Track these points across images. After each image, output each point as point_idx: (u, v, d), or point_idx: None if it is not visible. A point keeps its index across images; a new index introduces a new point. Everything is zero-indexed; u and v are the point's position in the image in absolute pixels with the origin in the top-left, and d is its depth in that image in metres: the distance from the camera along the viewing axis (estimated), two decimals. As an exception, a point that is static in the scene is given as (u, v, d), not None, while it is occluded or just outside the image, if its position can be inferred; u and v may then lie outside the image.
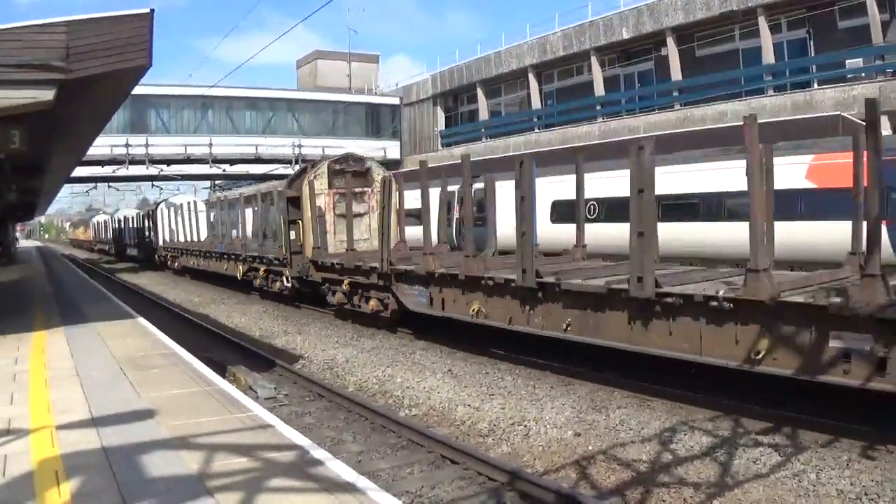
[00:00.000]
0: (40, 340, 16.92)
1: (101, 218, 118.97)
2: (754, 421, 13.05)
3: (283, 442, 8.89)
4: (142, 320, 20.24)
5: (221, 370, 16.96)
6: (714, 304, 12.66)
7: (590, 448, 12.50)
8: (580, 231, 19.71)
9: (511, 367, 18.49)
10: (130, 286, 47.86)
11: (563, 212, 28.38)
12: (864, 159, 12.54)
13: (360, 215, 28.47)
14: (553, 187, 28.40)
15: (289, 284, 30.61)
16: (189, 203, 51.60)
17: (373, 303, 23.76)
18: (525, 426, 13.79)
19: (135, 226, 73.58)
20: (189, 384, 12.18)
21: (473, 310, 18.42)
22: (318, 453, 8.48)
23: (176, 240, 52.79)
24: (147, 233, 66.68)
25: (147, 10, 14.15)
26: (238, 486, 7.28)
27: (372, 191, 29.25)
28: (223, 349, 22.89)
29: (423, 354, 20.60)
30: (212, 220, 44.75)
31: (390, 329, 24.23)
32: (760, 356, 12.06)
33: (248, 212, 37.15)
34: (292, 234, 29.34)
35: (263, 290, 35.37)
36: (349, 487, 7.34)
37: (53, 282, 36.67)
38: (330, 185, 29.00)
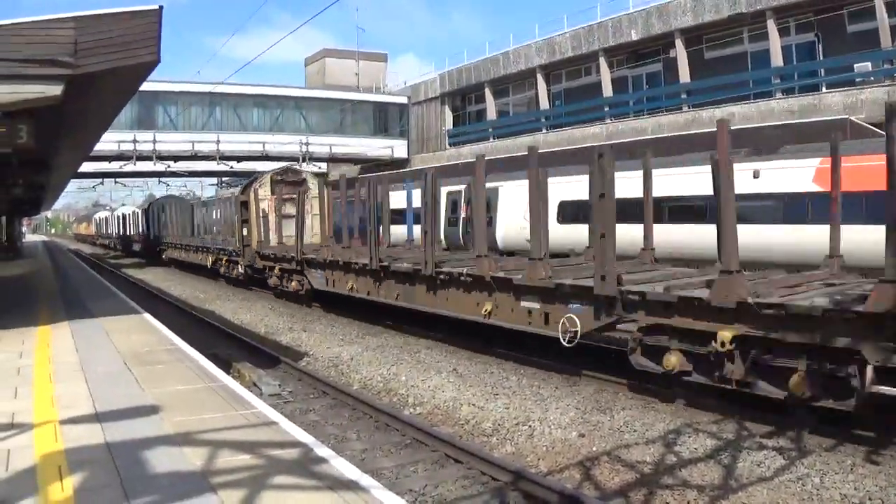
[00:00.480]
0: (45, 335, 16.93)
1: (102, 214, 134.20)
2: (758, 425, 13.01)
3: (286, 439, 8.87)
4: (147, 316, 20.25)
5: (226, 366, 16.98)
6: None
7: (594, 449, 12.48)
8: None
9: (516, 367, 18.48)
10: (135, 281, 47.93)
11: (570, 212, 28.41)
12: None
13: (292, 216, 32.46)
14: (560, 188, 28.39)
15: (242, 271, 38.37)
16: (179, 203, 58.79)
17: (294, 283, 31.06)
18: (529, 426, 13.77)
19: (133, 222, 79.85)
20: (193, 380, 12.18)
21: (349, 286, 24.91)
22: (322, 451, 8.47)
23: (166, 235, 60.55)
24: (145, 229, 72.12)
25: (156, 7, 14.16)
26: (241, 483, 7.27)
27: (306, 197, 33.44)
28: (228, 345, 22.89)
29: (427, 353, 20.61)
30: (195, 219, 50.70)
31: (306, 303, 31.80)
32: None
33: (217, 212, 44.53)
34: (244, 231, 37.11)
35: (226, 276, 42.91)
36: (353, 485, 7.33)
37: (59, 277, 36.70)
38: (272, 193, 36.13)
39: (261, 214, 36.64)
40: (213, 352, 18.99)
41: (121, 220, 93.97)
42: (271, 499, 6.97)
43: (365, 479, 7.56)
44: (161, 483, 7.32)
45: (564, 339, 15.31)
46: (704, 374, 13.27)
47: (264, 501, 6.91)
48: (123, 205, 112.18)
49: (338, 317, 28.17)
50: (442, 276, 19.59)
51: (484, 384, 16.86)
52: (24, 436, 8.95)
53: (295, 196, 32.15)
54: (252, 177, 41.74)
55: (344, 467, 7.91)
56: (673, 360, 13.45)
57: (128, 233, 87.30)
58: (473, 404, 15.33)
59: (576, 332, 15.15)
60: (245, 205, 37.62)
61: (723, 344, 12.36)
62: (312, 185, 36.85)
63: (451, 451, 12.29)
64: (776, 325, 11.98)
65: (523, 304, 16.99)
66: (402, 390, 17.03)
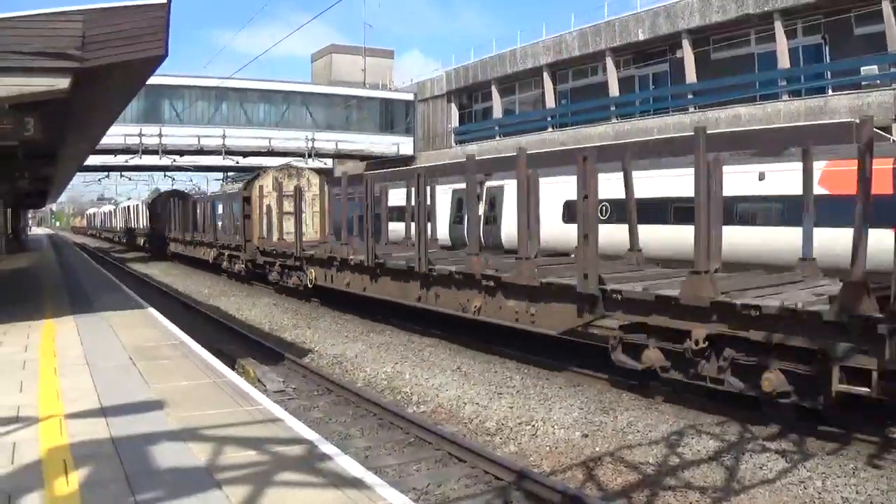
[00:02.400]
0: (50, 328, 16.95)
1: (91, 210, 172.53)
2: (761, 427, 13.03)
3: (291, 436, 8.88)
4: (152, 310, 20.27)
5: (231, 362, 17.00)
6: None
7: (597, 449, 12.50)
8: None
9: (520, 366, 18.49)
10: (140, 276, 47.97)
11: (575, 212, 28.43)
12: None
13: (292, 213, 32.45)
14: (566, 187, 28.36)
15: (244, 266, 39.10)
16: (182, 198, 59.77)
17: (294, 279, 31.76)
18: (533, 426, 13.79)
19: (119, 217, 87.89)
20: (198, 375, 12.20)
21: (346, 282, 25.92)
22: (327, 448, 8.48)
23: (169, 230, 61.34)
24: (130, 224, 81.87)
25: (163, 1, 14.16)
26: (246, 480, 7.28)
27: (307, 194, 35.08)
28: (233, 341, 22.92)
29: (431, 351, 20.61)
30: (198, 214, 51.83)
31: (306, 298, 32.21)
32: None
33: (220, 208, 46.33)
34: (246, 227, 38.07)
35: (228, 271, 43.16)
36: (357, 483, 7.34)
37: (64, 270, 36.74)
38: (274, 189, 36.11)
39: (263, 211, 37.50)
40: (218, 347, 19.05)
41: (113, 214, 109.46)
42: (276, 495, 6.99)
43: (369, 477, 7.57)
44: (166, 478, 7.34)
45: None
46: (681, 371, 13.89)
47: (269, 498, 6.92)
48: (128, 198, 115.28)
49: (342, 314, 28.15)
50: (434, 274, 20.54)
51: (488, 383, 16.88)
52: (30, 429, 8.97)
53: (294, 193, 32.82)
54: (255, 173, 42.50)
55: (348, 464, 7.92)
56: (651, 357, 14.17)
57: (131, 226, 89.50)
58: (477, 403, 15.35)
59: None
60: (248, 200, 38.71)
61: (696, 342, 13.08)
62: (314, 182, 37.60)
63: (455, 450, 12.29)
64: (746, 324, 12.55)
65: (511, 301, 17.73)
66: (405, 388, 17.05)
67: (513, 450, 12.85)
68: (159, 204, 65.31)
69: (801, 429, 12.69)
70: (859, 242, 11.20)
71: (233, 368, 15.42)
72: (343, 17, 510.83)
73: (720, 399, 14.11)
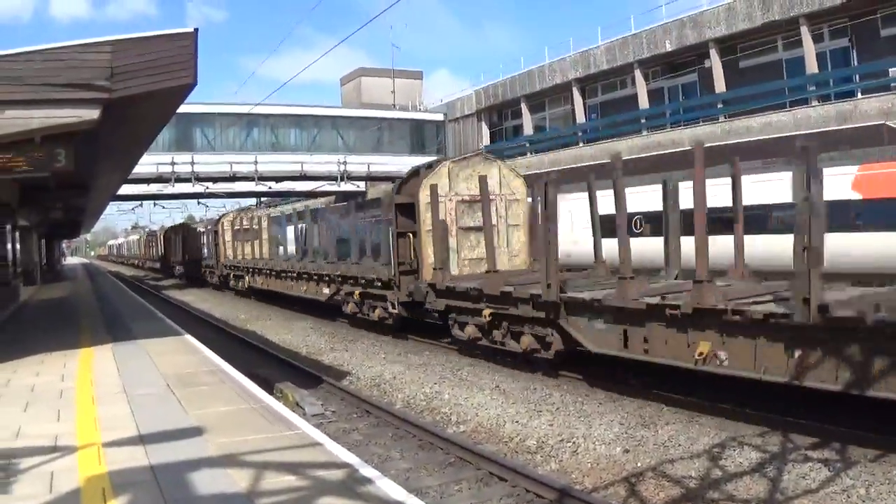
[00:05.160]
0: (87, 357, 17.01)
1: (112, 241, 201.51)
2: (803, 436, 12.91)
3: (331, 460, 8.83)
4: (189, 337, 20.29)
5: (268, 387, 16.97)
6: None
7: (639, 465, 12.40)
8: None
9: (559, 384, 18.41)
10: (177, 303, 48.26)
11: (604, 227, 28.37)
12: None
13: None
14: (570, 204, 28.39)
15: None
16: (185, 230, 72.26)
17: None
18: (573, 443, 13.70)
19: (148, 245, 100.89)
20: (236, 401, 12.17)
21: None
22: (367, 471, 8.42)
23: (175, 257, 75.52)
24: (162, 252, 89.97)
25: (191, 30, 14.21)
26: (286, 505, 7.23)
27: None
28: (270, 366, 22.92)
29: (470, 371, 20.54)
30: (193, 243, 61.42)
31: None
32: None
33: (203, 238, 47.97)
34: (217, 252, 31.04)
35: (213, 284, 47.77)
36: (398, 505, 7.28)
37: (99, 298, 36.93)
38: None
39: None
40: (255, 372, 19.05)
41: (125, 245, 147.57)
42: (317, 520, 6.94)
43: (411, 500, 7.51)
44: (206, 505, 7.30)
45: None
46: (486, 338, 21.06)
47: (310, 523, 6.88)
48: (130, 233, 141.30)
49: (379, 335, 28.10)
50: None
51: (527, 401, 16.78)
52: (68, 458, 8.96)
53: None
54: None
55: (389, 487, 7.85)
56: (469, 331, 21.67)
57: (150, 254, 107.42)
58: (517, 422, 15.27)
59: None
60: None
61: (486, 317, 20.27)
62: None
63: (496, 469, 12.22)
64: (515, 305, 19.37)
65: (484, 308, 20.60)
66: (445, 409, 16.98)
67: (554, 467, 12.77)
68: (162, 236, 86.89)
69: (844, 436, 12.56)
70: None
71: (270, 393, 15.38)
72: (371, 39, 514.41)
73: (761, 409, 14.01)
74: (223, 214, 56.67)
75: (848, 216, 21.67)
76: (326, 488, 7.76)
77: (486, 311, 20.36)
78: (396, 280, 25.30)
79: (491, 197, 22.54)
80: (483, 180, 21.19)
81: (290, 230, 41.14)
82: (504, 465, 12.31)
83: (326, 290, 32.68)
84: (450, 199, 24.76)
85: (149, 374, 14.69)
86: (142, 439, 9.71)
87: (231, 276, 52.19)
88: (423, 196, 23.95)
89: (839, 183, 21.52)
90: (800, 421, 13.44)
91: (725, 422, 14.24)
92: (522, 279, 20.32)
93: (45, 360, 16.71)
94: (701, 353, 14.00)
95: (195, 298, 51.97)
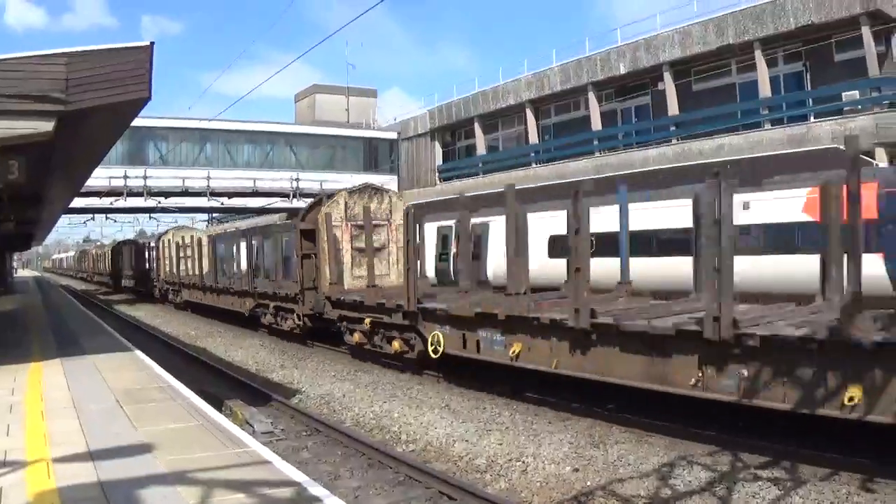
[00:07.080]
0: (37, 372, 16.87)
1: (56, 256, 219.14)
2: (753, 455, 13.05)
3: (280, 478, 8.83)
4: (138, 353, 20.16)
5: (218, 404, 16.90)
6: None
7: (588, 484, 12.46)
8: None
9: (509, 403, 18.45)
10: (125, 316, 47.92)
11: (560, 246, 28.37)
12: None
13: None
14: (551, 222, 28.42)
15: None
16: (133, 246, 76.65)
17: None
18: (523, 462, 13.75)
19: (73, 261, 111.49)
20: (186, 418, 12.13)
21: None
22: (316, 490, 8.43)
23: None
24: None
25: (147, 43, 14.20)
26: (236, 522, 7.23)
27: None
28: (219, 383, 22.81)
29: (420, 389, 20.56)
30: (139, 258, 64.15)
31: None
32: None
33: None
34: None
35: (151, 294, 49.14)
36: (347, 523, 7.30)
37: (50, 312, 36.62)
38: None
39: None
40: (205, 389, 18.95)
41: (66, 259, 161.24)
42: (266, 538, 6.94)
43: (360, 517, 7.53)
44: (155, 522, 7.29)
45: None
46: (369, 342, 24.58)
47: (259, 540, 6.88)
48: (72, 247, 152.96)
49: (330, 353, 28.06)
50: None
51: (477, 420, 16.83)
52: (17, 473, 8.91)
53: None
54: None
55: (338, 506, 7.88)
56: (356, 336, 25.10)
57: (98, 269, 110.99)
58: (466, 440, 15.30)
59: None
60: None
61: (367, 325, 23.90)
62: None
63: (445, 488, 12.24)
64: (385, 314, 22.90)
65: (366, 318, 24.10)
66: (394, 427, 16.96)
67: (503, 486, 12.79)
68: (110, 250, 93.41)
69: (794, 455, 12.71)
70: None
71: (220, 410, 15.32)
72: (326, 57, 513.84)
73: (711, 427, 14.14)
74: (163, 232, 61.09)
75: (798, 238, 21.82)
76: (276, 506, 7.77)
77: (367, 320, 24.31)
78: (301, 295, 29.45)
79: (382, 223, 28.89)
80: (367, 211, 25.58)
81: (221, 248, 43.91)
82: (453, 483, 12.31)
83: (248, 304, 36.67)
84: (346, 225, 28.84)
85: (99, 390, 14.60)
86: (91, 455, 9.66)
87: (170, 290, 56.43)
88: (321, 223, 28.23)
89: (790, 206, 21.75)
90: (750, 440, 13.58)
91: (675, 441, 14.35)
92: (396, 293, 23.83)
93: (-6, 373, 16.56)
94: (514, 352, 17.44)
95: (146, 314, 51.66)
